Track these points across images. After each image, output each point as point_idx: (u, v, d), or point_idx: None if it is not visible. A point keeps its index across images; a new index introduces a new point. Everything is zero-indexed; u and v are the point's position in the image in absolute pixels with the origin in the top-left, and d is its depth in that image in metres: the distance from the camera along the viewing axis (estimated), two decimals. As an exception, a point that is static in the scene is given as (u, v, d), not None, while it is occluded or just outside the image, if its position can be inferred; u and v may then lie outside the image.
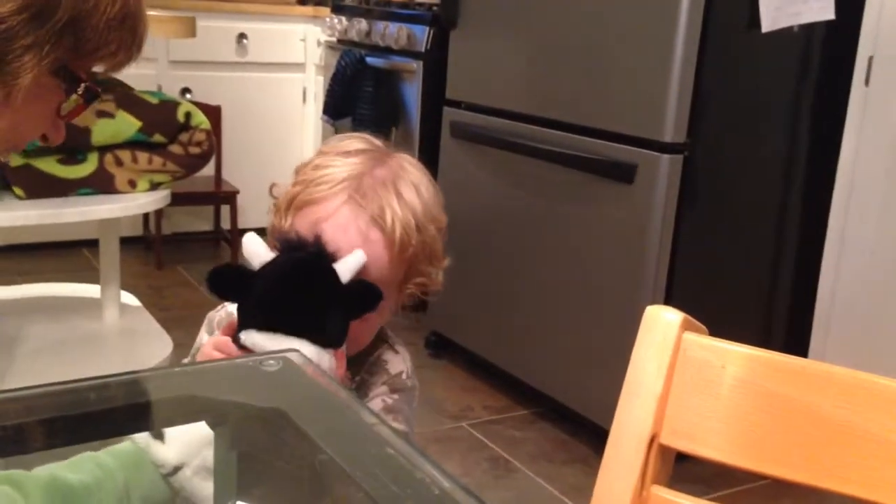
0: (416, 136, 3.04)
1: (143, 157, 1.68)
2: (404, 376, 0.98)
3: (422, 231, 0.96)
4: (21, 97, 0.72)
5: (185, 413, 0.53)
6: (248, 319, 0.82)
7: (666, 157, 2.01)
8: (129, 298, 2.01)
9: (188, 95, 3.59)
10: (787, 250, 2.26)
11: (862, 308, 2.12)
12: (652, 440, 0.67)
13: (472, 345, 2.66)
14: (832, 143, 2.15)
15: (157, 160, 1.67)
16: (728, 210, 2.15)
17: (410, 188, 0.97)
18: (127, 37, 0.81)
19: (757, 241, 2.23)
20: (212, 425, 0.55)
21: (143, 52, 2.85)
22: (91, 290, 2.02)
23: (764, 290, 2.27)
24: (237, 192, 3.55)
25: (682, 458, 0.69)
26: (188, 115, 1.71)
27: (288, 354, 0.56)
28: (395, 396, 0.96)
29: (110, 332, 1.79)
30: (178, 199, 3.57)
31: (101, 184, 1.63)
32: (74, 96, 0.79)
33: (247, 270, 0.86)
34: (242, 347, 0.81)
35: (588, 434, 2.26)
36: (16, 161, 1.60)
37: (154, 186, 1.70)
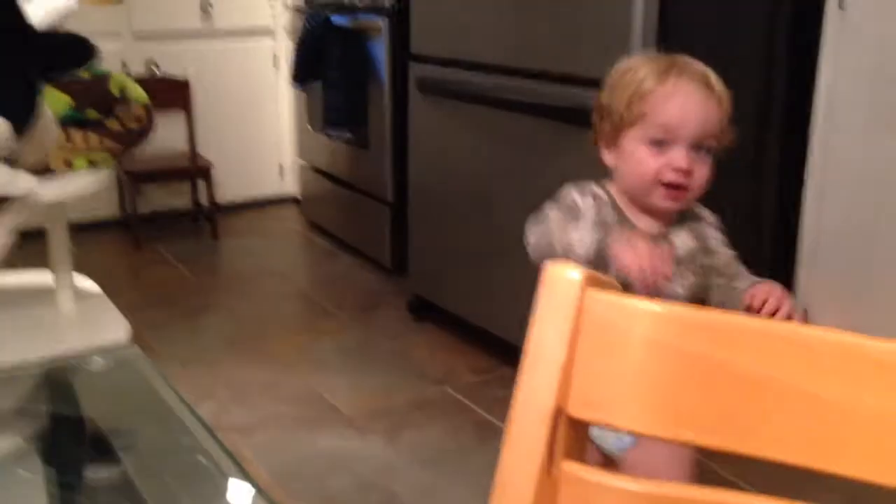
0: (386, 96, 2.95)
1: (77, 135, 1.60)
2: (712, 217, 1.32)
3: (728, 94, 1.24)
4: None
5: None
6: None
7: (634, 99, 1.92)
8: (88, 284, 1.94)
9: (155, 69, 3.50)
10: (767, 186, 2.18)
11: (847, 241, 2.04)
12: (558, 413, 0.60)
13: (455, 306, 2.60)
14: (809, 71, 2.06)
15: (94, 138, 1.60)
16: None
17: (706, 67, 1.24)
18: None
19: (736, 178, 2.15)
20: (24, 440, 0.48)
21: (104, 25, 2.76)
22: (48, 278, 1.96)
23: (746, 230, 2.19)
24: (211, 166, 3.48)
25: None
26: (123, 88, 1.63)
27: (123, 351, 0.50)
28: (720, 234, 1.31)
29: (63, 319, 1.73)
30: (151, 176, 3.51)
31: (34, 166, 1.55)
32: None
33: None
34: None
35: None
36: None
37: (93, 165, 1.63)
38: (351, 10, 3.06)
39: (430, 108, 2.56)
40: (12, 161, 0.99)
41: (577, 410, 0.60)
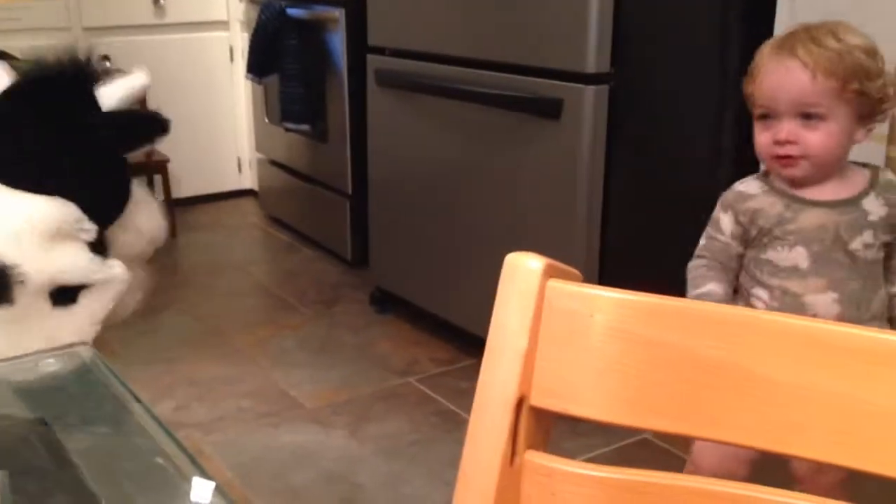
0: (344, 88, 2.94)
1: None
2: None
3: (843, 56, 1.20)
4: None
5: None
6: None
7: (591, 88, 1.93)
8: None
9: (107, 63, 3.43)
10: (722, 174, 2.20)
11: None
12: (521, 402, 0.60)
13: (416, 297, 2.60)
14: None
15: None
16: (660, 138, 2.08)
17: (825, 34, 1.22)
18: None
19: (692, 166, 2.17)
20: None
21: (55, 21, 2.70)
22: None
23: (702, 218, 2.21)
24: (168, 160, 3.43)
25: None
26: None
27: (76, 349, 0.49)
28: None
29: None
30: (106, 173, 3.45)
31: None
32: None
33: None
34: None
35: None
36: None
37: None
38: (307, 2, 3.03)
39: (388, 99, 2.55)
40: (103, 248, 0.97)
41: (539, 400, 0.60)
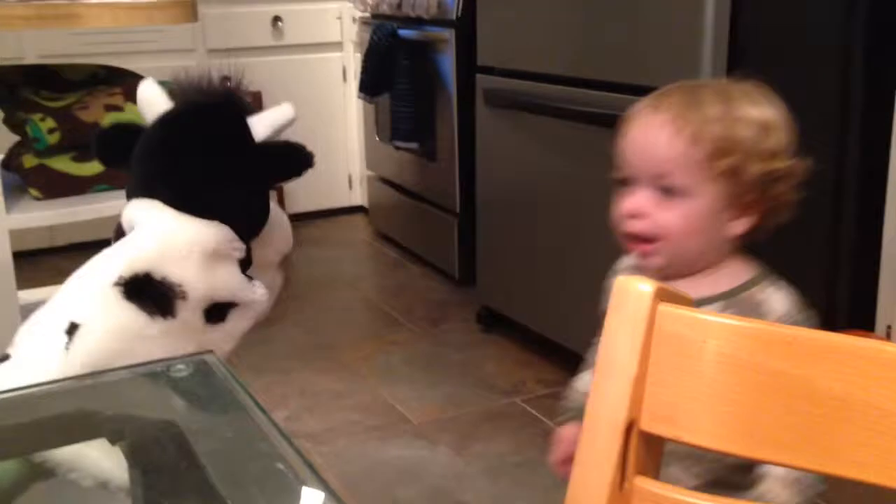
0: (453, 107, 2.97)
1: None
2: (789, 320, 0.96)
3: (716, 124, 0.95)
4: None
5: (82, 430, 0.49)
6: (129, 189, 0.75)
7: (704, 108, 1.90)
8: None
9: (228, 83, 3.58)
10: (845, 204, 2.12)
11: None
12: (630, 427, 0.60)
13: (524, 318, 2.59)
14: (888, 84, 2.00)
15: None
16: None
17: (710, 93, 0.98)
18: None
19: (811, 194, 2.09)
20: (111, 442, 0.51)
21: (180, 42, 2.85)
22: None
23: (823, 252, 2.13)
24: (283, 177, 3.55)
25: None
26: (199, 103, 1.67)
27: (203, 356, 0.51)
28: None
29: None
30: (225, 189, 3.59)
31: (115, 179, 1.61)
32: None
33: (136, 128, 0.78)
34: None
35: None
36: (30, 162, 1.59)
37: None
38: (418, 23, 3.09)
39: (496, 119, 2.57)
40: (248, 263, 1.10)
41: (650, 425, 0.60)
